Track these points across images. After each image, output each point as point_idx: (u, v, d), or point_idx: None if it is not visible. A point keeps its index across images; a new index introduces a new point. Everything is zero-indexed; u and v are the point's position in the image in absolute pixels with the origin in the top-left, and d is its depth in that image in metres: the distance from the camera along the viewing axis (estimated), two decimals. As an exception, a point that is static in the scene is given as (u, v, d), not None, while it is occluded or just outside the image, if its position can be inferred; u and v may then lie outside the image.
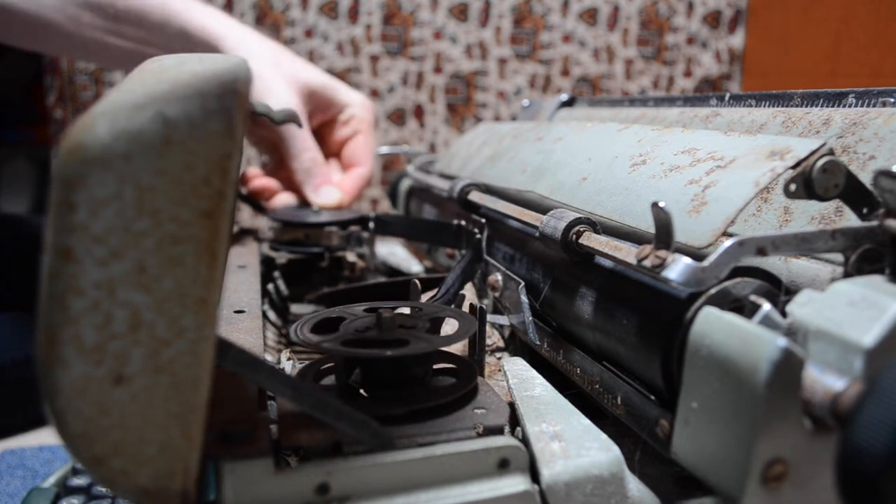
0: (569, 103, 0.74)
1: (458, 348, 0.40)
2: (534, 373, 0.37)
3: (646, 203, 0.35)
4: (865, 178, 0.29)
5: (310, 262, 0.66)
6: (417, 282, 0.43)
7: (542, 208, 0.43)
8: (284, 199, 0.74)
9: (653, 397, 0.31)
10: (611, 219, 0.38)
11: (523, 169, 0.52)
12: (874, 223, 0.28)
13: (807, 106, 0.41)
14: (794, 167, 0.29)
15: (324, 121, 0.78)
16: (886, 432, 0.20)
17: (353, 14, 1.65)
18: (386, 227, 0.64)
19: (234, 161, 0.22)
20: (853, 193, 0.29)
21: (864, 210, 0.29)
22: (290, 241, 0.66)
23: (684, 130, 0.40)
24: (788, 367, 0.24)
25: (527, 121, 0.75)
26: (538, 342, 0.42)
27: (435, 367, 0.36)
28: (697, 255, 0.28)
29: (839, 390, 0.23)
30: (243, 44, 0.71)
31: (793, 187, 0.29)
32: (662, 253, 0.28)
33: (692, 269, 0.27)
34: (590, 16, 1.75)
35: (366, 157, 0.78)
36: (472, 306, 0.38)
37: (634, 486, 0.29)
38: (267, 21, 1.61)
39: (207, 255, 0.21)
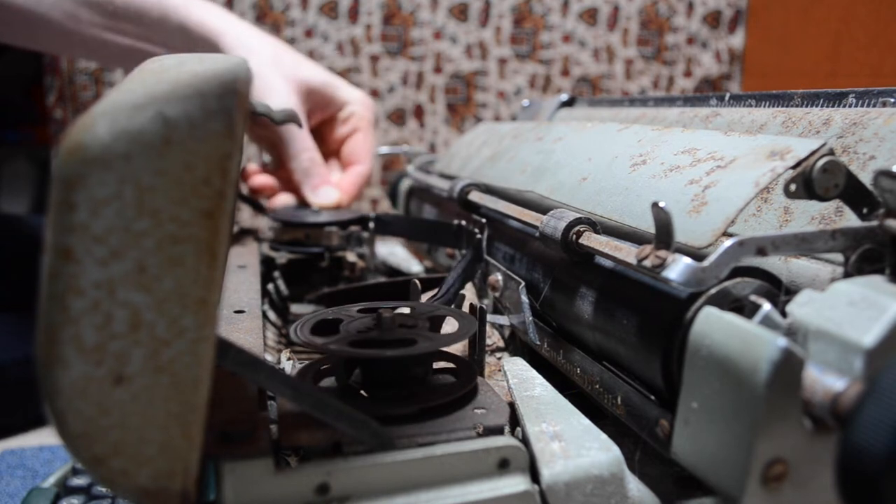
0: (569, 103, 0.74)
1: (458, 348, 0.40)
2: (534, 373, 0.37)
3: (646, 203, 0.35)
4: (865, 178, 0.29)
5: (310, 262, 0.66)
6: (417, 282, 0.43)
7: (542, 208, 0.43)
8: (284, 200, 0.74)
9: (653, 397, 0.31)
10: (611, 219, 0.38)
11: (523, 169, 0.52)
12: (874, 223, 0.28)
13: (807, 106, 0.41)
14: (794, 167, 0.29)
15: (323, 119, 0.78)
16: (886, 432, 0.20)
17: (353, 14, 1.65)
18: (386, 227, 0.64)
19: (234, 161, 0.22)
20: (853, 193, 0.29)
21: (864, 210, 0.29)
22: (290, 241, 0.66)
23: (684, 130, 0.40)
24: (788, 367, 0.24)
25: (527, 121, 0.75)
26: (538, 342, 0.42)
27: (435, 367, 0.36)
28: (697, 255, 0.28)
29: (839, 390, 0.23)
30: (243, 40, 0.71)
31: (793, 187, 0.29)
32: (662, 253, 0.28)
33: (692, 269, 0.27)
34: (590, 16, 1.75)
35: (365, 155, 0.77)
36: (472, 306, 0.38)
37: (634, 486, 0.29)
38: (267, 21, 1.61)
39: (207, 255, 0.21)
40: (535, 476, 0.29)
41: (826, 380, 0.24)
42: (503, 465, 0.29)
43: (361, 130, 0.78)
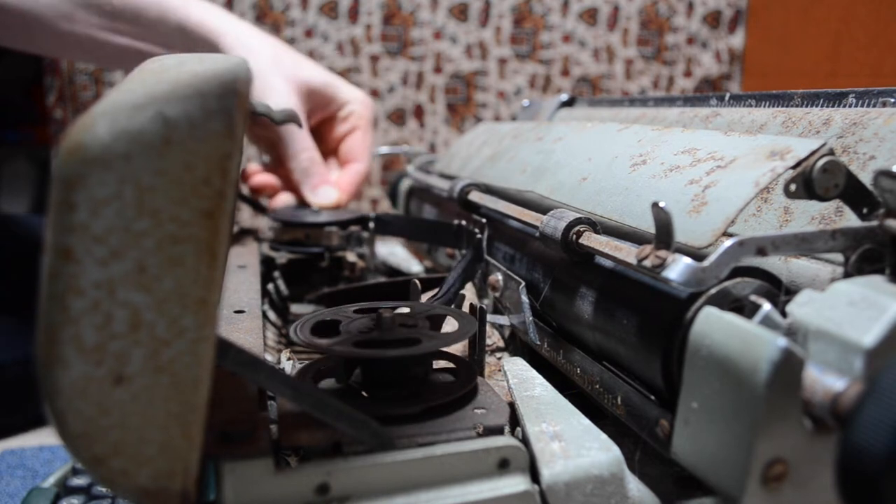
0: (569, 103, 0.74)
1: (459, 348, 0.40)
2: (534, 373, 0.37)
3: (646, 203, 0.35)
4: (865, 178, 0.29)
5: (310, 262, 0.66)
6: (417, 282, 0.43)
7: (542, 208, 0.43)
8: (285, 199, 0.74)
9: (653, 397, 0.31)
10: (611, 219, 0.38)
11: (523, 169, 0.52)
12: (874, 223, 0.28)
13: (807, 106, 0.41)
14: (794, 167, 0.29)
15: (323, 118, 0.78)
16: (886, 432, 0.20)
17: (353, 14, 1.65)
18: (386, 227, 0.64)
19: (234, 161, 0.22)
20: (853, 193, 0.29)
21: (865, 210, 0.29)
22: (290, 241, 0.66)
23: (684, 130, 0.40)
24: (788, 367, 0.24)
25: (527, 121, 0.75)
26: (538, 342, 0.42)
27: (435, 366, 0.36)
28: (697, 255, 0.28)
29: (839, 390, 0.23)
30: (243, 40, 0.70)
31: (793, 187, 0.29)
32: (662, 253, 0.28)
33: (692, 269, 0.27)
34: (590, 16, 1.75)
35: (363, 154, 0.77)
36: (472, 306, 0.38)
37: (634, 486, 0.29)
38: (267, 21, 1.61)
39: (207, 255, 0.21)
40: (535, 476, 0.29)
41: (826, 380, 0.24)
42: (503, 465, 0.29)
43: (360, 129, 0.78)
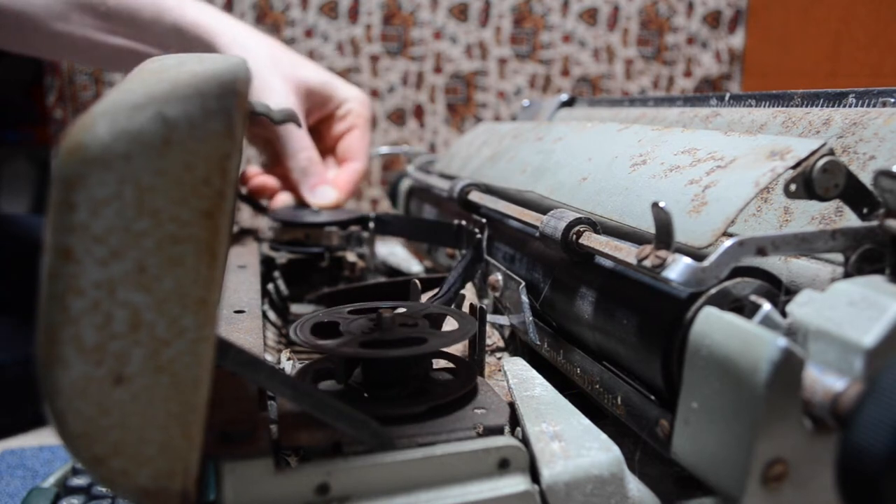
0: (569, 103, 0.74)
1: (459, 348, 0.40)
2: (534, 373, 0.37)
3: (646, 203, 0.35)
4: (865, 178, 0.29)
5: (310, 262, 0.66)
6: (417, 282, 0.43)
7: (542, 208, 0.43)
8: (285, 200, 0.74)
9: (653, 397, 0.31)
10: (611, 219, 0.38)
11: (523, 169, 0.52)
12: (874, 223, 0.28)
13: (807, 106, 0.41)
14: (794, 167, 0.29)
15: (321, 117, 0.78)
16: (886, 432, 0.20)
17: (353, 14, 1.65)
18: (386, 227, 0.64)
19: (234, 161, 0.22)
20: (853, 193, 0.29)
21: (865, 210, 0.29)
22: (290, 241, 0.66)
23: (684, 130, 0.40)
24: (788, 367, 0.24)
25: (527, 121, 0.75)
26: (538, 342, 0.42)
27: (435, 366, 0.36)
28: (697, 255, 0.28)
29: (839, 390, 0.23)
30: (239, 40, 0.70)
31: (793, 187, 0.29)
32: (662, 253, 0.28)
33: (692, 269, 0.27)
34: (590, 16, 1.75)
35: (360, 152, 0.77)
36: (472, 306, 0.38)
37: (634, 486, 0.29)
38: (267, 21, 1.61)
39: (207, 255, 0.21)
40: (535, 476, 0.29)
41: (826, 380, 0.24)
42: (503, 465, 0.29)
43: (358, 128, 0.78)
